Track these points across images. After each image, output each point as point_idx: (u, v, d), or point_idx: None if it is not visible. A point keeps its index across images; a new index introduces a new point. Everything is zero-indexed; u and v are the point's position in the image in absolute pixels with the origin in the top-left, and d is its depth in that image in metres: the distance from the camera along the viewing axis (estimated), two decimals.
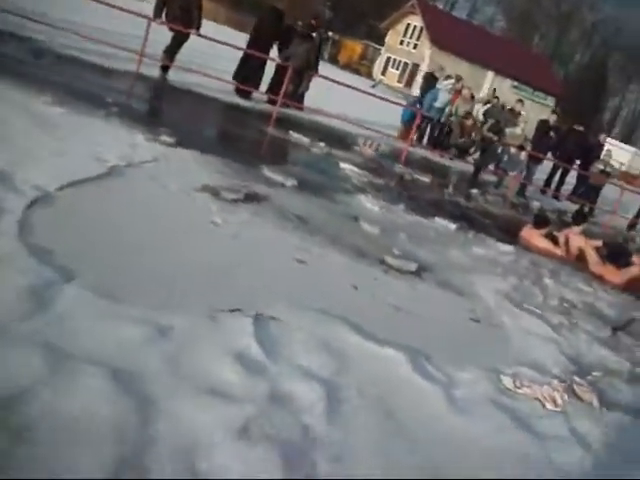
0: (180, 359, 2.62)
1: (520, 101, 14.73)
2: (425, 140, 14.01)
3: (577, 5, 61.35)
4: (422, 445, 2.70)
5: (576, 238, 8.50)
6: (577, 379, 3.98)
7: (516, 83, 43.44)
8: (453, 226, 7.24)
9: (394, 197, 7.76)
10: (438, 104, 12.72)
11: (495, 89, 15.23)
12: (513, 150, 12.05)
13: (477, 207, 9.63)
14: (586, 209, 11.77)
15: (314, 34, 11.78)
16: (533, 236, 8.31)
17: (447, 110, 12.84)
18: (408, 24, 47.42)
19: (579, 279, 7.05)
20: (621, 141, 49.56)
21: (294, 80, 11.26)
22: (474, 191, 10.76)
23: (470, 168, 12.71)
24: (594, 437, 3.33)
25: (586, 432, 3.35)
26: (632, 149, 43.24)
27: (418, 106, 13.65)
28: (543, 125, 13.07)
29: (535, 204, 12.09)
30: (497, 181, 12.37)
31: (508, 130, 11.97)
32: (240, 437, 2.27)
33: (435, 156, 13.15)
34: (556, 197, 14.11)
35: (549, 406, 3.49)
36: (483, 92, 34.58)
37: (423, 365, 3.39)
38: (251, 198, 5.29)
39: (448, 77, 13.74)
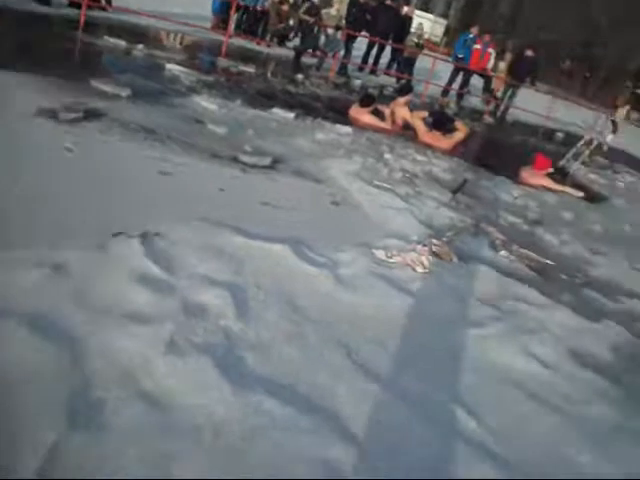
0: (86, 293, 2.66)
1: None
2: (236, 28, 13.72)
3: None
4: (324, 322, 3.01)
5: (401, 110, 9.09)
6: (435, 241, 4.48)
7: None
8: (291, 115, 7.43)
9: (227, 93, 7.73)
10: None
11: None
12: (330, 31, 12.24)
13: (307, 92, 9.84)
14: (404, 81, 12.39)
15: None
16: (360, 114, 8.76)
17: None
18: None
19: (413, 150, 7.63)
20: (420, 9, 51.50)
21: None
22: (299, 76, 10.92)
23: (290, 53, 12.77)
24: (460, 288, 3.85)
25: (453, 285, 3.86)
26: (430, 16, 45.17)
27: None
28: (354, 3, 13.29)
29: (357, 82, 12.53)
30: (318, 63, 12.59)
31: (324, 11, 12.08)
32: (171, 351, 2.42)
33: (254, 45, 13.01)
34: (373, 72, 14.65)
35: (419, 269, 3.95)
36: None
37: (306, 252, 3.67)
38: (92, 115, 5.08)
39: None
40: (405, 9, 14.77)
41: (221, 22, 13.22)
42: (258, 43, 13.03)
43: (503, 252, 4.90)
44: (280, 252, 3.53)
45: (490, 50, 14.55)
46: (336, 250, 3.82)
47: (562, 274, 4.87)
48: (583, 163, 10.19)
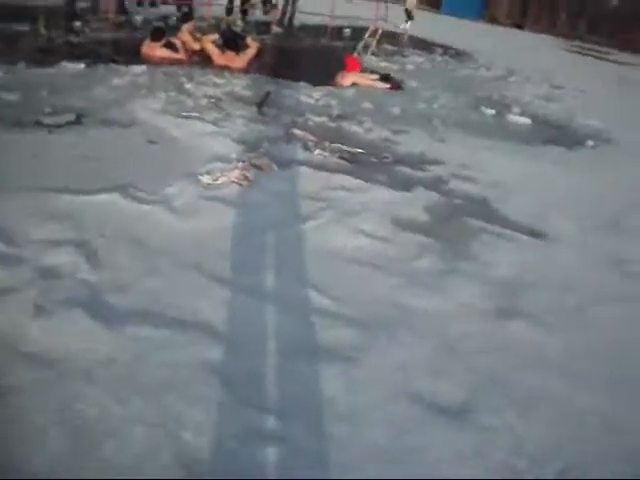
0: None
1: None
2: None
3: None
4: (172, 252, 3.26)
5: (186, 36, 9.10)
6: (253, 155, 4.81)
7: None
8: (81, 65, 7.20)
9: (6, 57, 7.28)
10: None
11: None
12: None
13: (90, 39, 9.46)
14: (185, 9, 12.21)
15: None
16: (153, 49, 8.67)
17: None
18: None
19: (211, 75, 7.77)
20: None
21: None
22: (77, 24, 10.41)
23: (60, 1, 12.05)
24: (285, 191, 4.24)
25: (278, 190, 4.24)
26: None
27: None
28: None
29: (138, 18, 12.15)
30: (92, 4, 12.00)
31: None
32: (40, 314, 2.57)
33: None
34: (153, 4, 14.20)
35: (244, 183, 4.27)
36: None
37: (136, 194, 3.84)
38: None
39: None
40: None
41: None
42: None
43: (317, 151, 5.35)
44: (112, 200, 3.68)
45: None
46: (164, 185, 4.03)
47: (372, 158, 5.43)
48: (373, 54, 10.83)
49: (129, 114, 5.63)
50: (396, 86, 8.81)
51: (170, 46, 8.79)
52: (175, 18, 12.64)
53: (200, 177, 4.27)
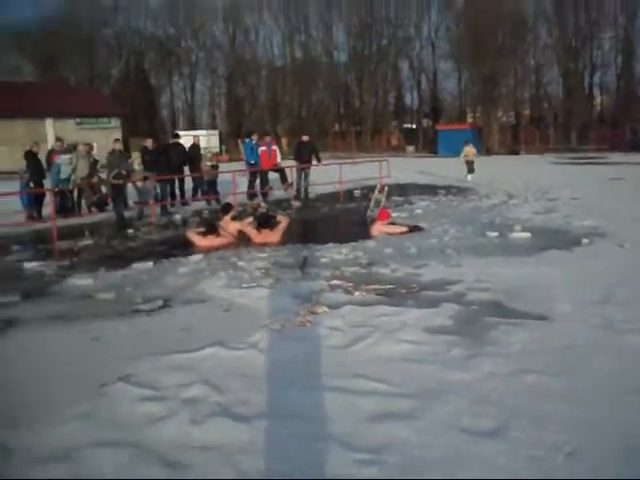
0: None
1: (87, 144, 16.05)
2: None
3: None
4: (271, 375, 4.47)
5: (231, 224, 10.84)
6: (307, 305, 6.13)
7: (78, 119, 44.69)
8: (150, 264, 8.77)
9: (87, 267, 8.85)
10: (63, 175, 13.71)
11: (59, 138, 16.22)
12: (139, 184, 13.81)
13: (145, 241, 11.22)
14: (226, 201, 14.15)
15: None
16: (200, 240, 10.34)
17: (73, 177, 13.94)
18: None
19: (255, 252, 9.32)
20: (191, 129, 54.97)
21: None
22: (130, 231, 12.29)
23: (110, 216, 14.10)
24: (341, 327, 5.49)
25: (337, 326, 5.49)
26: (203, 132, 48.29)
27: (31, 185, 14.41)
28: (145, 151, 14.95)
29: (177, 217, 14.13)
30: (138, 214, 13.99)
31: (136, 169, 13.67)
32: (194, 426, 3.76)
33: (77, 220, 14.10)
34: (185, 204, 16.33)
35: (308, 325, 5.54)
36: (50, 140, 35.08)
37: (231, 346, 5.11)
38: None
39: (66, 150, 14.85)
40: (194, 140, 16.76)
41: (35, 213, 14.28)
42: (79, 216, 14.21)
43: (357, 293, 6.66)
44: (214, 352, 4.96)
45: (274, 147, 16.95)
46: (246, 337, 5.31)
47: (402, 290, 6.73)
48: (384, 207, 12.47)
49: (201, 293, 7.05)
50: (418, 229, 10.48)
51: (214, 231, 10.46)
52: (207, 211, 14.64)
53: (272, 327, 5.56)
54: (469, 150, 20.49)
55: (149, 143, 15.46)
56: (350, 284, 7.03)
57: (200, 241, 10.32)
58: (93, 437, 3.71)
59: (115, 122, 47.50)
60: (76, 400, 4.22)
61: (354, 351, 4.92)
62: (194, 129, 54.65)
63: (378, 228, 10.62)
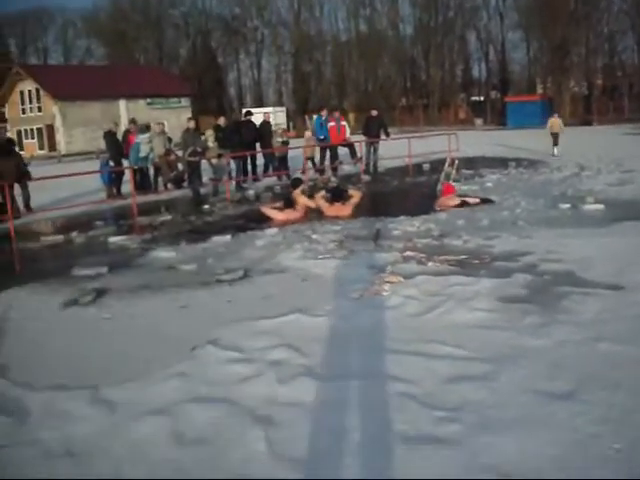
0: None
1: (161, 124, 16.59)
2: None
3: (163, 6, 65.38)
4: (359, 335, 4.69)
5: (301, 198, 11.08)
6: (383, 274, 6.32)
7: (149, 100, 45.88)
8: (228, 237, 9.13)
9: (168, 240, 9.29)
10: (142, 154, 14.29)
11: (133, 119, 16.77)
12: (214, 161, 14.23)
13: (222, 216, 11.63)
14: (298, 175, 14.45)
15: None
16: (276, 214, 10.63)
17: (151, 155, 14.50)
18: (22, 91, 46.73)
19: (328, 224, 9.57)
20: (257, 106, 55.52)
21: None
22: (206, 206, 12.73)
23: (186, 192, 14.61)
24: (414, 295, 5.67)
25: (411, 294, 5.67)
26: (270, 109, 48.68)
27: (111, 163, 15.05)
28: (218, 129, 15.35)
29: (250, 192, 14.51)
30: (213, 190, 14.45)
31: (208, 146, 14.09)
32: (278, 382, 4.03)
33: (155, 196, 14.69)
34: (256, 180, 16.69)
35: (384, 293, 5.74)
36: (123, 121, 36.20)
37: (313, 313, 5.36)
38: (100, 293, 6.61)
39: (141, 129, 15.48)
40: (264, 117, 17.06)
41: (115, 190, 14.94)
42: (156, 193, 14.78)
43: (430, 263, 6.80)
44: (296, 319, 5.23)
45: (343, 123, 17.10)
46: (326, 305, 5.56)
47: (474, 260, 6.83)
48: (455, 180, 12.48)
49: (278, 264, 7.34)
50: (487, 200, 10.48)
51: (290, 204, 10.74)
52: (278, 187, 14.95)
53: (350, 295, 5.78)
54: (554, 121, 19.42)
55: (222, 121, 15.86)
56: (423, 255, 7.17)
57: (276, 215, 10.61)
58: (190, 394, 4.02)
59: (185, 101, 48.61)
60: (171, 361, 4.56)
61: (430, 318, 5.09)
62: (261, 106, 55.24)
63: (443, 202, 10.62)
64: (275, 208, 10.83)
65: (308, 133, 18.24)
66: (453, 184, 11.76)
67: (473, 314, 5.07)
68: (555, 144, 18.95)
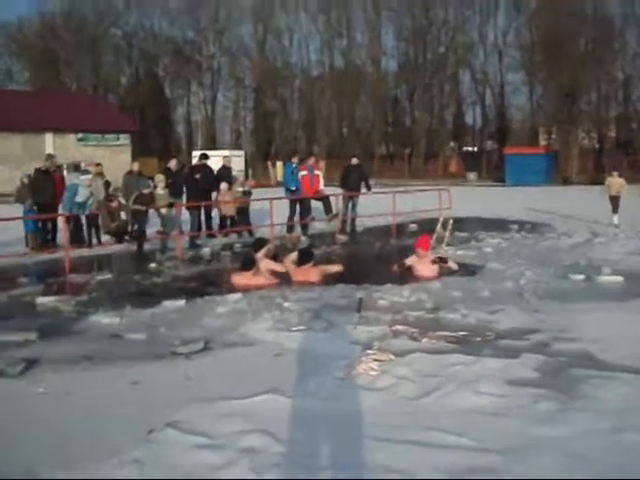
0: None
1: (99, 164, 16.74)
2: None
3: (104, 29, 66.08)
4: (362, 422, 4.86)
5: (264, 262, 11.28)
6: (369, 351, 6.53)
7: (81, 135, 46.12)
8: (182, 302, 9.24)
9: (111, 304, 9.32)
10: (81, 198, 14.35)
11: (51, 155, 16.65)
12: (164, 211, 14.44)
13: (172, 277, 11.77)
14: (258, 237, 14.66)
15: None
16: (242, 279, 10.80)
17: (90, 201, 14.61)
18: None
19: (301, 292, 9.78)
20: (210, 149, 56.11)
21: None
22: (152, 265, 12.85)
23: (128, 247, 14.73)
24: (409, 376, 5.88)
25: (403, 375, 5.87)
26: (225, 152, 49.10)
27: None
28: (169, 174, 15.62)
29: (205, 250, 14.74)
30: (161, 246, 14.59)
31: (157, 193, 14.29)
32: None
33: (90, 251, 14.70)
34: (212, 235, 16.90)
35: (372, 373, 5.95)
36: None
37: (288, 394, 5.52)
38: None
39: (84, 171, 15.64)
40: (224, 161, 17.44)
41: (40, 240, 14.97)
42: (90, 247, 14.85)
43: (424, 340, 7.05)
44: (271, 399, 5.38)
45: (317, 172, 17.53)
46: (305, 384, 5.72)
47: (475, 338, 7.10)
48: (448, 245, 12.86)
49: (245, 336, 7.51)
50: (469, 270, 10.95)
51: (249, 267, 10.93)
52: (239, 245, 15.20)
53: (334, 374, 5.97)
54: (614, 181, 18.07)
55: (173, 164, 16.20)
56: (415, 330, 7.42)
57: (238, 279, 10.77)
58: None
59: (124, 139, 48.92)
60: (124, 446, 4.64)
61: (427, 402, 5.30)
62: (215, 149, 55.81)
63: (415, 261, 11.18)
64: (246, 270, 10.91)
65: (225, 186, 16.96)
66: (445, 248, 12.14)
67: (478, 398, 5.30)
68: (615, 211, 17.58)
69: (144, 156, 45.97)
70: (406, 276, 10.84)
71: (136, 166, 15.42)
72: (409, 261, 11.42)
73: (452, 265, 11.16)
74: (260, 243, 12.28)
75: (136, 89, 66.25)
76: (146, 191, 14.07)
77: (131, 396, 5.73)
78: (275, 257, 11.85)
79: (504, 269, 11.06)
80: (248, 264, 10.95)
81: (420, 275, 10.90)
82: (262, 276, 10.90)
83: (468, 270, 11.24)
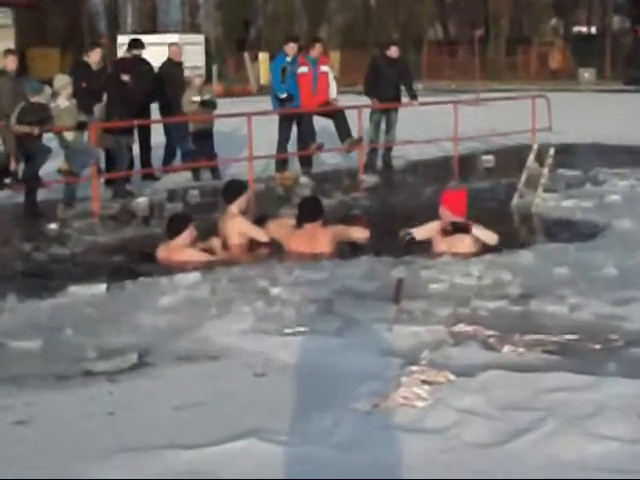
0: None
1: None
2: None
3: None
4: None
5: (237, 224, 11.23)
6: (415, 368, 6.49)
7: None
8: (102, 288, 9.17)
9: None
10: None
11: None
12: (71, 135, 14.28)
13: (85, 246, 11.70)
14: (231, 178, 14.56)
15: None
16: (177, 250, 10.73)
17: None
18: None
19: (299, 270, 9.73)
20: (148, 32, 55.85)
21: None
22: (52, 226, 12.78)
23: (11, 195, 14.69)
24: (479, 406, 5.84)
25: (468, 407, 5.84)
26: (175, 37, 48.80)
27: None
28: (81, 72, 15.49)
29: (140, 200, 14.70)
30: (67, 194, 14.36)
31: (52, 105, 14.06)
32: None
33: None
34: (151, 176, 16.88)
35: (419, 403, 5.91)
36: None
37: (277, 439, 5.48)
38: None
39: None
40: (170, 51, 17.20)
41: None
42: None
43: (506, 348, 7.00)
44: (249, 447, 5.32)
45: (324, 69, 17.16)
46: (307, 421, 5.67)
47: (592, 344, 7.03)
48: (546, 190, 12.72)
49: (208, 343, 7.45)
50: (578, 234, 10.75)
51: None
52: (196, 192, 15.10)
53: (353, 405, 5.91)
54: None
55: (94, 57, 15.89)
56: (491, 332, 7.34)
57: (174, 251, 10.64)
58: None
59: (4, 17, 48.50)
60: None
61: (511, 453, 5.24)
62: (155, 32, 55.42)
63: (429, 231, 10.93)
64: (174, 237, 10.78)
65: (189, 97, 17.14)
66: (542, 195, 12.01)
67: (597, 446, 5.23)
68: None
69: (39, 45, 45.65)
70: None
71: (12, 62, 14.94)
72: (422, 232, 11.08)
73: (484, 235, 10.69)
74: (234, 189, 12.11)
75: None
76: (37, 100, 13.84)
77: (14, 442, 5.66)
78: (262, 219, 11.72)
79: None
80: (176, 227, 10.86)
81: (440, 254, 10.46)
82: (207, 247, 10.80)
83: (580, 233, 11.14)
